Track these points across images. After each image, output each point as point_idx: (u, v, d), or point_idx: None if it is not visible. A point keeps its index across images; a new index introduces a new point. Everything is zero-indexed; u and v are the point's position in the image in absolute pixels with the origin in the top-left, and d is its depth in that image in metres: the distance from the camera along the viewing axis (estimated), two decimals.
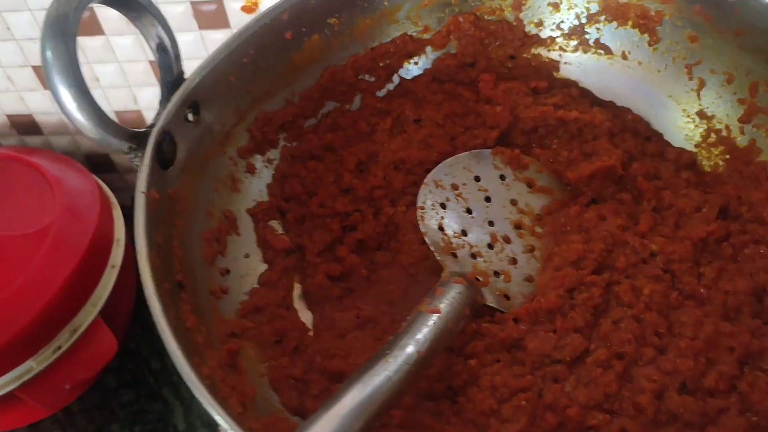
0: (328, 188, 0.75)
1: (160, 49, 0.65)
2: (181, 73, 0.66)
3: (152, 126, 0.62)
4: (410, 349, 0.57)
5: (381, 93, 0.81)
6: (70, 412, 0.86)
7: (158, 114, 0.63)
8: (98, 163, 1.11)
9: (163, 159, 0.63)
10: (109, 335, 0.78)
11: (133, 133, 0.60)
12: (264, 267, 0.71)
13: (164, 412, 0.86)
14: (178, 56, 0.65)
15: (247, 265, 0.71)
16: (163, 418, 0.85)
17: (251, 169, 0.74)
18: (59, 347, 0.75)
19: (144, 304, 0.53)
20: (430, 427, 0.60)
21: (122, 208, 0.88)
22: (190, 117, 0.66)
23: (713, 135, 0.76)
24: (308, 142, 0.77)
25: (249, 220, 0.73)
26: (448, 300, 0.63)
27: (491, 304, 0.68)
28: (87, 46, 0.93)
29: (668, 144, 0.78)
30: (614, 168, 0.73)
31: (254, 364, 0.64)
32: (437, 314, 0.61)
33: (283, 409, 0.62)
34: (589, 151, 0.76)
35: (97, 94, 0.72)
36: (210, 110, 0.68)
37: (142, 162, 0.60)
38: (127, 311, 0.87)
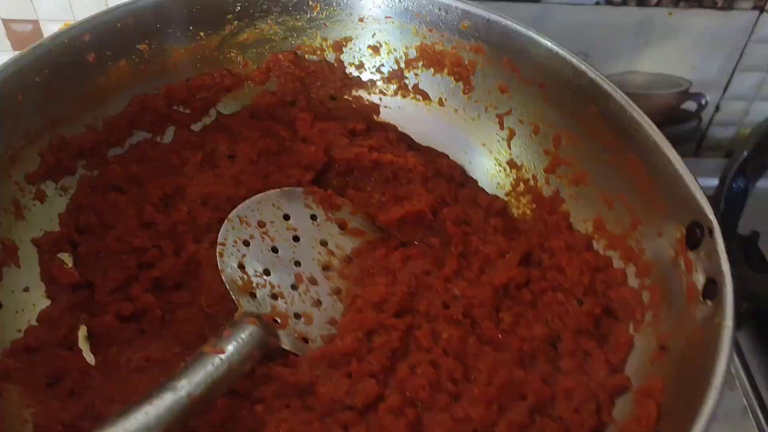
0: (127, 222, 0.70)
1: None
2: None
3: None
4: (182, 392, 0.54)
5: (196, 126, 0.78)
6: None
7: None
8: None
9: None
10: None
11: None
12: (46, 302, 0.66)
13: None
14: None
15: (25, 299, 0.65)
16: None
17: (40, 196, 0.68)
18: None
19: None
20: None
21: None
22: None
23: (522, 184, 0.78)
24: (111, 172, 0.72)
25: (33, 250, 0.67)
26: (235, 341, 0.60)
27: (286, 347, 0.65)
28: None
29: (482, 191, 0.79)
30: (423, 213, 0.73)
31: (17, 408, 0.58)
32: (220, 355, 0.58)
33: None
34: (402, 194, 0.76)
35: None
36: None
37: None
38: None
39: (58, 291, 0.66)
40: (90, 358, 0.65)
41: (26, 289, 0.65)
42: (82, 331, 0.66)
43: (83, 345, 0.66)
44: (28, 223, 0.67)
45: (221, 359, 0.58)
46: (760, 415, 0.75)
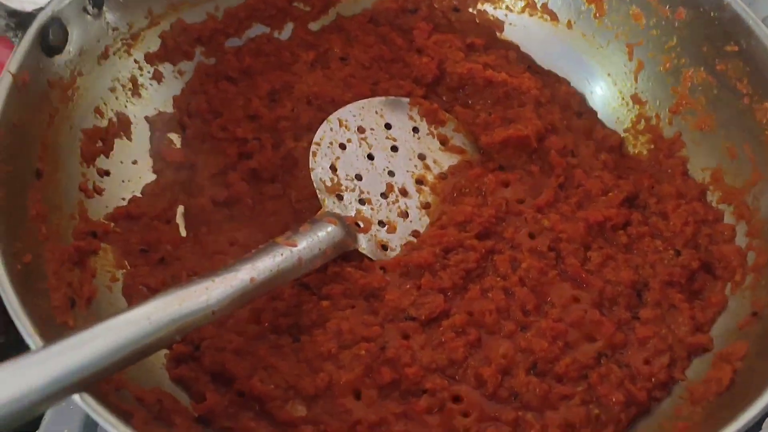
0: (234, 112, 0.72)
1: None
2: None
3: (41, 8, 0.60)
4: (244, 274, 0.55)
5: (315, 26, 0.78)
6: None
7: None
8: None
9: (48, 46, 0.61)
10: None
11: (12, 11, 0.59)
12: (151, 177, 0.69)
13: None
14: None
15: (133, 171, 0.69)
16: None
17: (158, 77, 0.71)
18: None
19: None
20: (263, 359, 0.58)
21: None
22: (90, 9, 0.64)
23: (643, 122, 0.72)
24: (226, 62, 0.74)
25: (146, 127, 0.71)
26: (310, 237, 0.61)
27: (363, 251, 0.65)
28: None
29: (600, 123, 0.74)
30: (528, 138, 0.70)
31: (110, 268, 0.63)
32: (292, 248, 0.59)
33: None
34: (510, 117, 0.72)
35: None
36: (116, 8, 0.66)
37: (19, 43, 0.58)
38: None
39: (163, 167, 0.70)
40: (183, 234, 0.68)
41: (134, 162, 0.69)
42: (180, 209, 0.69)
43: (179, 221, 0.69)
44: (143, 101, 0.71)
45: (291, 251, 0.59)
46: None
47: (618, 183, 0.69)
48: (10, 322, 0.48)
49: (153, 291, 0.63)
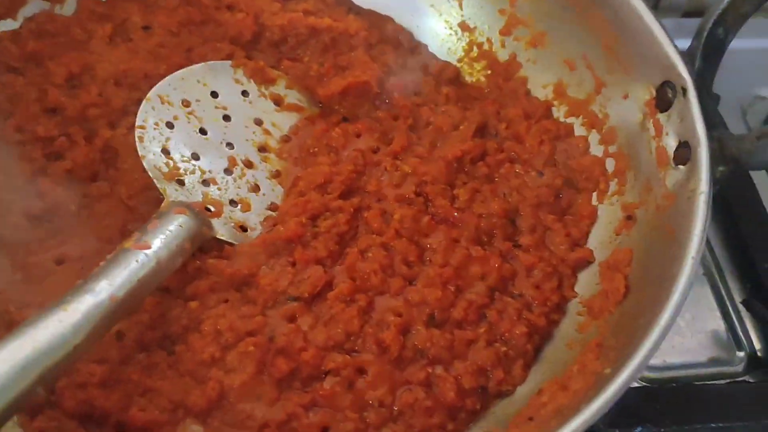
0: (28, 108, 0.61)
1: None
2: None
3: None
4: (102, 294, 0.47)
5: None
6: None
7: None
8: None
9: None
10: None
11: None
12: None
13: None
14: None
15: None
16: None
17: None
18: None
19: None
20: (138, 384, 0.51)
21: None
22: None
23: (476, 48, 0.71)
24: (5, 51, 0.63)
25: None
26: (163, 234, 0.53)
27: (222, 237, 0.58)
28: None
29: (433, 57, 0.72)
30: (368, 84, 0.66)
31: None
32: (146, 251, 0.51)
33: None
34: (343, 64, 0.68)
35: None
36: None
37: None
38: None
39: None
40: None
41: None
42: None
43: None
44: None
45: (147, 255, 0.51)
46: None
47: (465, 115, 0.67)
48: None
49: None
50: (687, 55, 0.57)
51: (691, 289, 0.46)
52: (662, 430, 0.61)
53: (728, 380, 0.66)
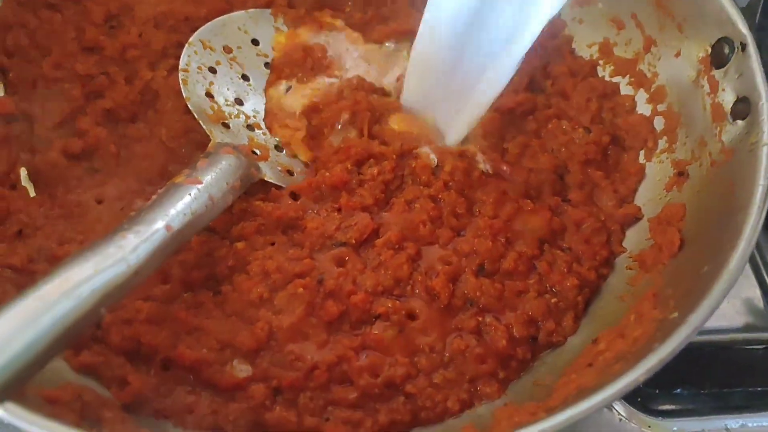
0: (66, 45, 0.60)
1: None
2: None
3: None
4: (158, 224, 0.46)
5: None
6: None
7: None
8: None
9: None
10: None
11: None
12: None
13: None
14: None
15: None
16: None
17: None
18: None
19: None
20: (185, 323, 0.49)
21: None
22: None
23: None
24: None
25: None
26: (214, 171, 0.52)
27: (270, 179, 0.57)
28: None
29: None
30: (412, 34, 0.64)
31: None
32: (198, 186, 0.50)
33: None
34: (386, 14, 0.67)
35: None
36: None
37: None
38: None
39: None
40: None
41: None
42: (24, 172, 0.56)
43: (26, 184, 0.56)
44: None
45: (199, 189, 0.50)
46: None
47: None
48: None
49: (20, 271, 0.50)
50: (747, 10, 0.57)
51: (755, 237, 0.46)
52: (702, 391, 0.61)
53: (764, 345, 0.66)
